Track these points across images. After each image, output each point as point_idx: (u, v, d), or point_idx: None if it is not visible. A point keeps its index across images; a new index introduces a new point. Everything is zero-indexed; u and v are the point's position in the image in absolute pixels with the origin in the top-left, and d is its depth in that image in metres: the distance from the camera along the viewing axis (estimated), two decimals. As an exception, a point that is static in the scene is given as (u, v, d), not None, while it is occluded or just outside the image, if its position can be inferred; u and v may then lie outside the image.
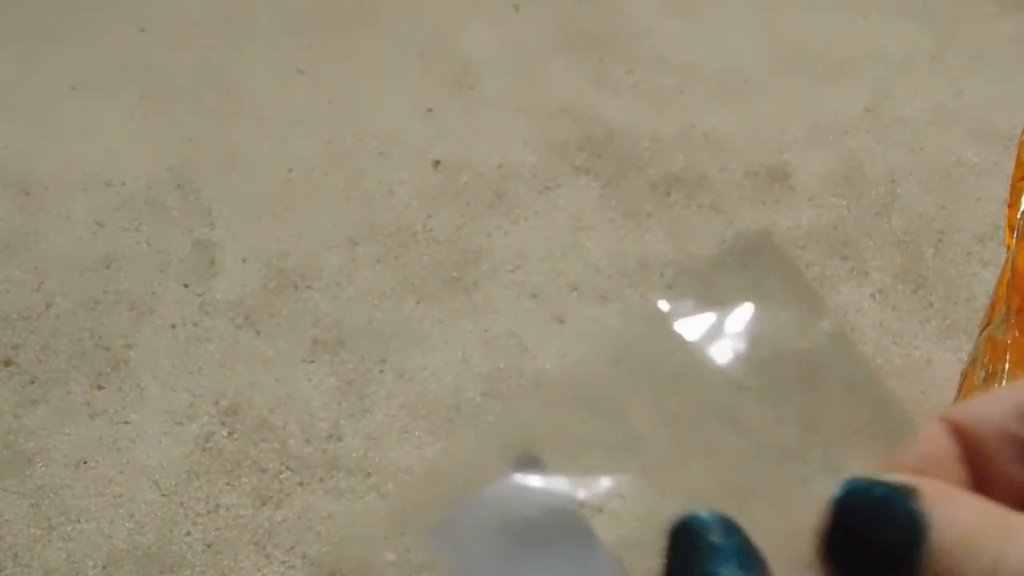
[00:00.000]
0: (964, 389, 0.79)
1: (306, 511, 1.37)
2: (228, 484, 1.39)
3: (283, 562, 1.33)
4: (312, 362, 1.51)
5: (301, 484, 1.39)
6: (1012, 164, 0.90)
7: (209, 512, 1.37)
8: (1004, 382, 0.74)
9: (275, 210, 1.69)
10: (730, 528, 0.27)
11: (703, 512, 0.27)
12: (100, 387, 1.48)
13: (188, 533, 1.35)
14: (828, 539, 0.26)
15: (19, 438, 1.43)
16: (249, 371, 1.50)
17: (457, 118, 1.81)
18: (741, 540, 0.27)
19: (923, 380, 1.46)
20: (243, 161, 1.75)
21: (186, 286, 1.59)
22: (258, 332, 1.54)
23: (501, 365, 1.50)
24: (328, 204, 1.69)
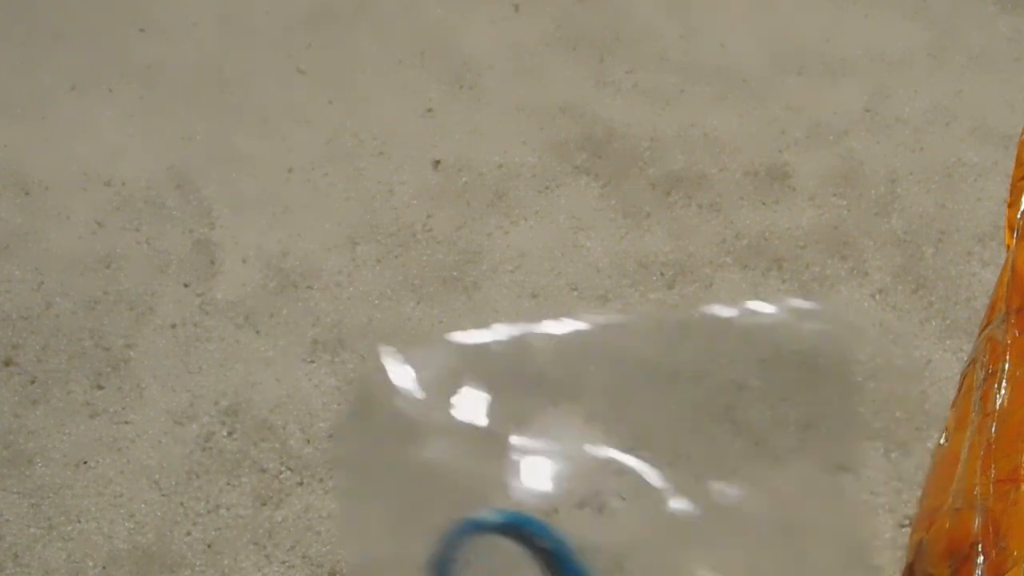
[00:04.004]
0: (964, 389, 0.79)
1: (306, 511, 1.37)
2: (228, 484, 1.39)
3: (283, 562, 1.33)
4: (312, 362, 1.51)
5: (301, 484, 1.39)
6: (1012, 164, 0.90)
7: (209, 512, 1.37)
8: (1004, 382, 0.74)
9: (275, 210, 1.69)
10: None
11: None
12: (100, 387, 1.48)
13: (188, 533, 1.35)
14: None
15: (19, 438, 1.43)
16: (249, 371, 1.50)
17: (457, 118, 1.81)
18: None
19: (923, 380, 1.46)
20: (243, 161, 1.75)
21: (186, 286, 1.59)
22: (258, 332, 1.54)
23: (501, 365, 1.50)
24: (328, 204, 1.69)
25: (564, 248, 1.63)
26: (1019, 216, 0.84)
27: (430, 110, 1.83)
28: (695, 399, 1.48)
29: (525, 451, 0.30)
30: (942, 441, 0.79)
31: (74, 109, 1.83)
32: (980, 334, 0.80)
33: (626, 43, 1.93)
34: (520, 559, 0.28)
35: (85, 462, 1.41)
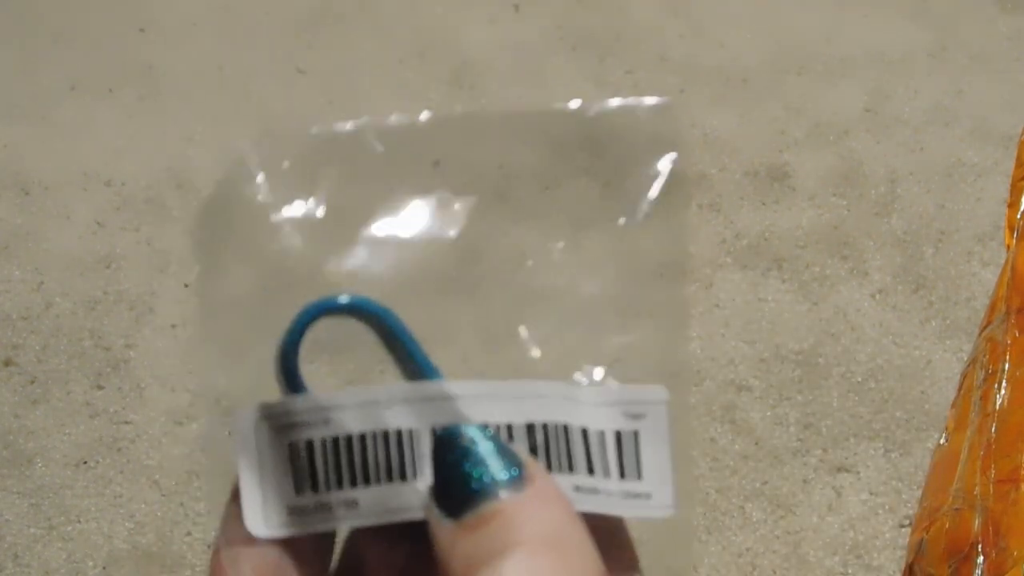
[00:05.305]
0: (964, 389, 0.79)
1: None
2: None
3: (283, 562, 1.33)
4: (312, 362, 1.51)
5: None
6: (1012, 164, 0.90)
7: (209, 512, 1.37)
8: (1004, 382, 0.74)
9: (275, 210, 1.69)
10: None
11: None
12: (100, 387, 1.48)
13: (188, 533, 1.35)
14: None
15: (19, 438, 1.43)
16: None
17: (457, 118, 1.81)
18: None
19: (923, 380, 1.46)
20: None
21: (186, 286, 1.59)
22: (258, 332, 1.54)
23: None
24: (328, 204, 1.69)
25: (564, 248, 1.63)
26: (1019, 216, 0.84)
27: (430, 110, 1.83)
28: (695, 399, 1.48)
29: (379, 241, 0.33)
30: (942, 441, 0.79)
31: (74, 109, 1.83)
32: (980, 334, 0.80)
33: (626, 43, 1.93)
34: (363, 333, 0.32)
35: (85, 462, 1.41)
